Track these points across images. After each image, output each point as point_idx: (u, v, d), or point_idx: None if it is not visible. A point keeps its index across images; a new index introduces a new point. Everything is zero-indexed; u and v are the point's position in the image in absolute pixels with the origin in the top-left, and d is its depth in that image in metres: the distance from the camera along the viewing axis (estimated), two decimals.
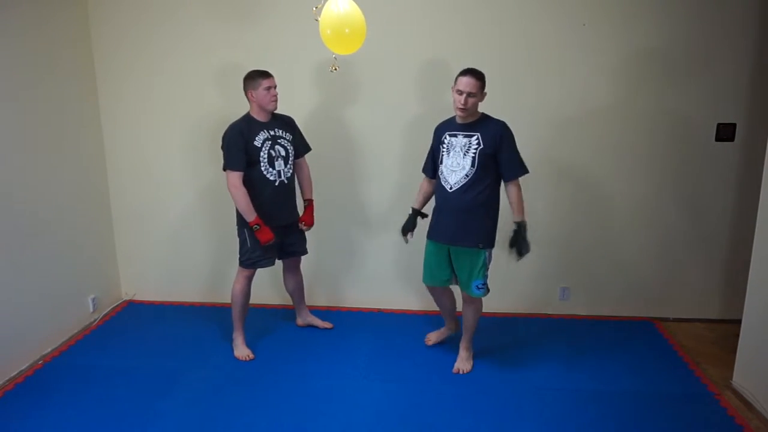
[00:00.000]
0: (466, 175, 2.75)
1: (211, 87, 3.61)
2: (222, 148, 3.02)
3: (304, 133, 3.30)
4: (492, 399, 2.80)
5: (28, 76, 3.11)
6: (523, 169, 2.81)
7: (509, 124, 3.36)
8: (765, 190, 2.68)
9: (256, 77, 2.97)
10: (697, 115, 3.40)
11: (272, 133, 3.07)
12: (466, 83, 2.66)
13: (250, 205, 2.99)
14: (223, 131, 3.04)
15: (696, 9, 3.26)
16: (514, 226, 2.80)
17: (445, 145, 2.84)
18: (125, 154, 3.79)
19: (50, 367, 3.13)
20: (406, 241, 3.11)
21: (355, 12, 2.40)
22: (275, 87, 3.01)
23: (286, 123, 3.18)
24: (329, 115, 3.60)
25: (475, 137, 2.75)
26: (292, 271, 3.43)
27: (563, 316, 3.73)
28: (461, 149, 2.77)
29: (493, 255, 2.89)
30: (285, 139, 3.12)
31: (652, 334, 3.50)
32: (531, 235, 2.83)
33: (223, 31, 3.53)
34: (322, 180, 3.58)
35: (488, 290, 2.94)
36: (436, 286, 3.07)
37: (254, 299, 3.31)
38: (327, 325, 3.56)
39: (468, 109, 2.70)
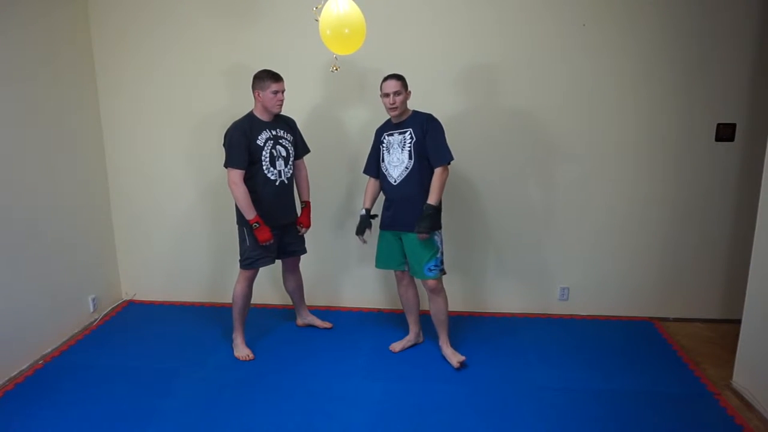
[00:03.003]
0: (406, 168, 2.96)
1: (211, 86, 3.62)
2: (224, 145, 3.02)
3: (303, 134, 3.30)
4: (492, 399, 2.80)
5: (28, 75, 3.11)
6: (448, 156, 2.93)
7: (508, 124, 3.38)
8: (765, 190, 2.68)
9: (265, 78, 2.97)
10: (697, 115, 3.40)
11: (274, 132, 3.07)
12: (390, 85, 2.91)
13: (250, 202, 2.99)
14: (225, 130, 3.04)
15: (696, 9, 3.26)
16: (426, 208, 2.90)
17: (384, 145, 3.05)
18: (125, 154, 3.79)
19: (50, 367, 3.13)
20: (364, 242, 3.19)
21: (355, 12, 2.40)
22: (283, 92, 3.02)
23: (288, 124, 3.19)
24: (329, 115, 3.60)
25: (408, 132, 2.96)
26: (292, 270, 3.43)
27: (563, 316, 3.73)
28: (398, 145, 2.98)
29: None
30: (286, 139, 3.13)
31: (652, 334, 3.49)
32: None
33: (223, 31, 3.53)
34: (323, 180, 3.59)
35: (442, 272, 3.05)
36: (396, 272, 3.20)
37: (254, 299, 3.31)
38: (326, 324, 3.56)
39: (398, 107, 2.93)
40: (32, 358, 3.16)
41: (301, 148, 3.27)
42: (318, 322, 3.57)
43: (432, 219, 2.90)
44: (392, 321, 3.64)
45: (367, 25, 2.47)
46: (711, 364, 3.12)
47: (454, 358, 3.08)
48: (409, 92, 2.98)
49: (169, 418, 2.65)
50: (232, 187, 2.99)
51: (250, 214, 2.99)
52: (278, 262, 3.34)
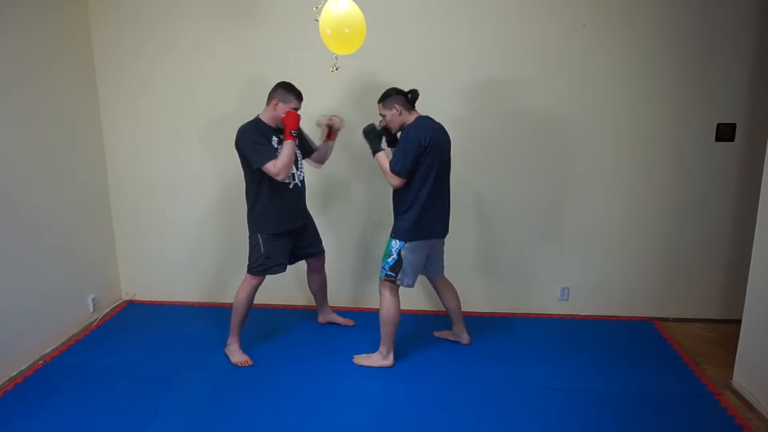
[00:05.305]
0: None
1: (211, 86, 3.61)
2: (243, 149, 2.91)
3: (310, 134, 3.27)
4: (492, 399, 2.80)
5: (28, 75, 3.11)
6: (394, 164, 2.83)
7: (507, 124, 3.35)
8: (765, 190, 2.68)
9: (291, 93, 2.92)
10: (697, 115, 3.40)
11: (282, 137, 3.04)
12: (379, 109, 2.96)
13: (291, 147, 2.88)
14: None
15: (696, 8, 3.26)
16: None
17: None
18: (125, 154, 3.79)
19: (50, 367, 3.13)
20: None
21: (355, 12, 2.40)
22: (298, 110, 2.97)
23: None
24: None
25: (396, 145, 3.01)
26: (318, 271, 3.45)
27: (563, 316, 3.73)
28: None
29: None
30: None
31: (652, 334, 3.50)
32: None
33: (223, 31, 3.53)
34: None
35: (389, 279, 2.99)
36: (434, 278, 3.29)
37: (256, 299, 3.28)
38: (348, 322, 3.60)
39: (393, 126, 2.94)
40: (32, 358, 3.16)
41: (309, 145, 3.22)
42: (339, 320, 3.61)
43: (369, 135, 2.96)
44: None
45: (367, 25, 2.47)
46: (711, 364, 3.12)
47: (363, 357, 3.15)
48: (396, 108, 2.87)
49: (169, 418, 2.65)
50: (279, 168, 2.83)
51: (291, 135, 2.88)
52: (301, 264, 3.38)
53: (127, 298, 4.02)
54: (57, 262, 3.36)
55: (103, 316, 3.74)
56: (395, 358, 3.12)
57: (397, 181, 2.86)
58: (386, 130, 2.99)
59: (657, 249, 3.61)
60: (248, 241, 3.12)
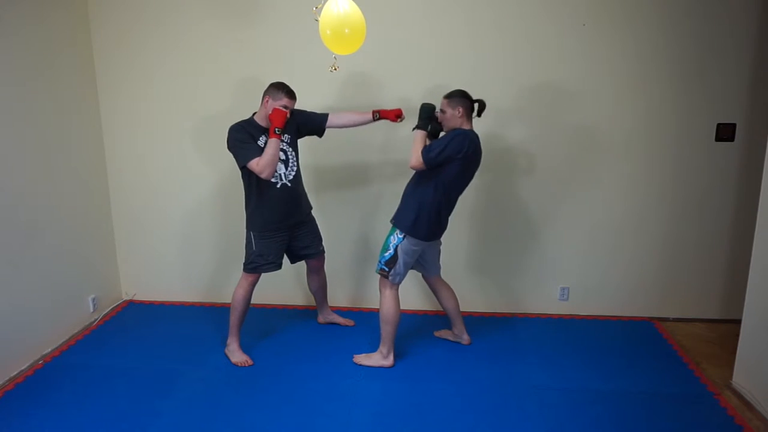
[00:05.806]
0: (417, 172, 2.96)
1: (212, 86, 3.61)
2: (231, 148, 2.93)
3: (310, 138, 3.24)
4: (492, 399, 2.80)
5: (28, 75, 3.11)
6: (425, 152, 2.80)
7: (505, 124, 3.34)
8: (765, 190, 2.68)
9: (281, 91, 2.91)
10: (697, 115, 3.40)
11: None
12: (442, 104, 2.92)
13: (274, 146, 2.85)
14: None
15: (696, 9, 3.26)
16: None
17: None
18: (125, 154, 3.79)
19: (50, 367, 3.13)
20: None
21: (355, 12, 2.40)
22: (289, 109, 2.96)
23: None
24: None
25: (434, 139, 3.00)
26: (317, 272, 3.44)
27: (563, 316, 3.73)
28: None
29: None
30: (284, 142, 3.07)
31: (652, 334, 3.50)
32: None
33: (223, 31, 3.52)
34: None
35: (382, 273, 3.01)
36: (429, 277, 3.29)
37: (256, 300, 3.30)
38: (348, 322, 3.60)
39: (444, 124, 2.94)
40: (32, 358, 3.16)
41: (318, 121, 3.14)
42: (340, 320, 3.61)
43: (425, 112, 2.92)
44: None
45: (367, 25, 2.47)
46: (711, 364, 3.12)
47: (362, 357, 3.14)
48: (460, 110, 2.86)
49: (168, 418, 2.65)
50: (262, 166, 2.82)
51: (275, 130, 2.84)
52: (301, 263, 3.39)
53: (127, 298, 4.02)
54: (57, 262, 3.36)
55: (103, 316, 3.74)
56: (395, 357, 3.12)
57: (418, 164, 2.83)
58: (437, 123, 2.96)
59: (657, 249, 3.61)
60: (236, 235, 3.13)
